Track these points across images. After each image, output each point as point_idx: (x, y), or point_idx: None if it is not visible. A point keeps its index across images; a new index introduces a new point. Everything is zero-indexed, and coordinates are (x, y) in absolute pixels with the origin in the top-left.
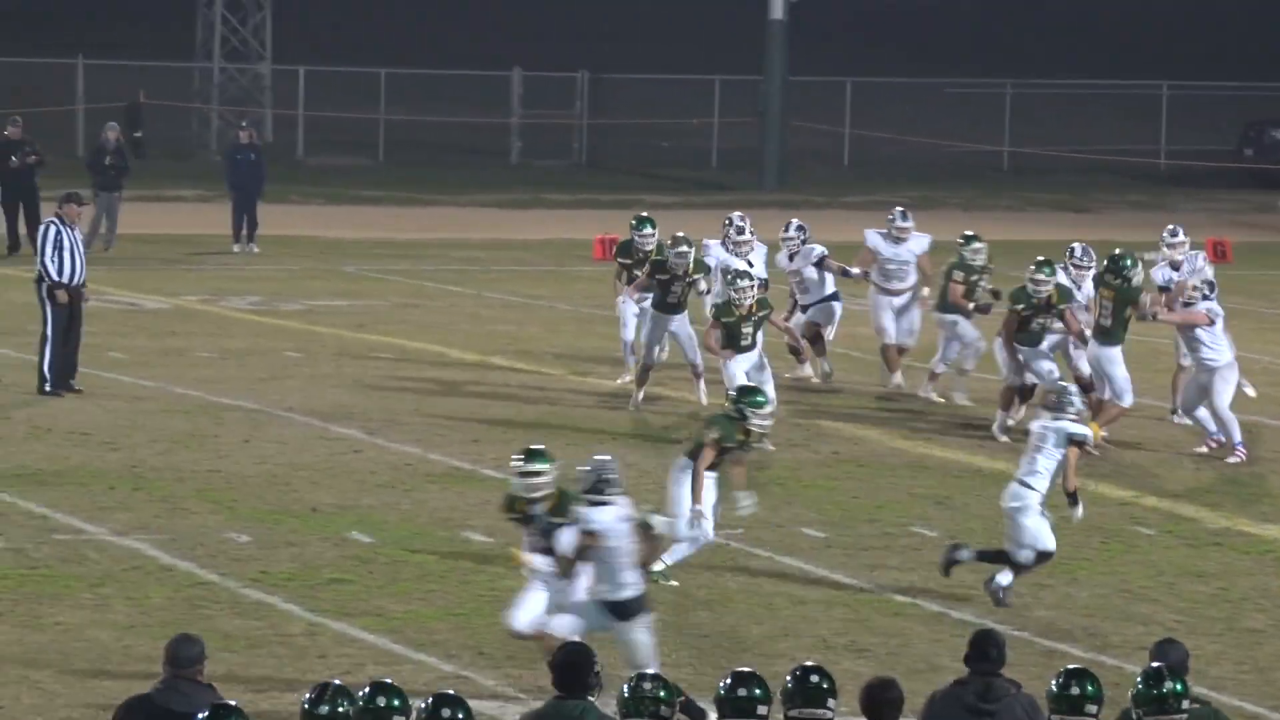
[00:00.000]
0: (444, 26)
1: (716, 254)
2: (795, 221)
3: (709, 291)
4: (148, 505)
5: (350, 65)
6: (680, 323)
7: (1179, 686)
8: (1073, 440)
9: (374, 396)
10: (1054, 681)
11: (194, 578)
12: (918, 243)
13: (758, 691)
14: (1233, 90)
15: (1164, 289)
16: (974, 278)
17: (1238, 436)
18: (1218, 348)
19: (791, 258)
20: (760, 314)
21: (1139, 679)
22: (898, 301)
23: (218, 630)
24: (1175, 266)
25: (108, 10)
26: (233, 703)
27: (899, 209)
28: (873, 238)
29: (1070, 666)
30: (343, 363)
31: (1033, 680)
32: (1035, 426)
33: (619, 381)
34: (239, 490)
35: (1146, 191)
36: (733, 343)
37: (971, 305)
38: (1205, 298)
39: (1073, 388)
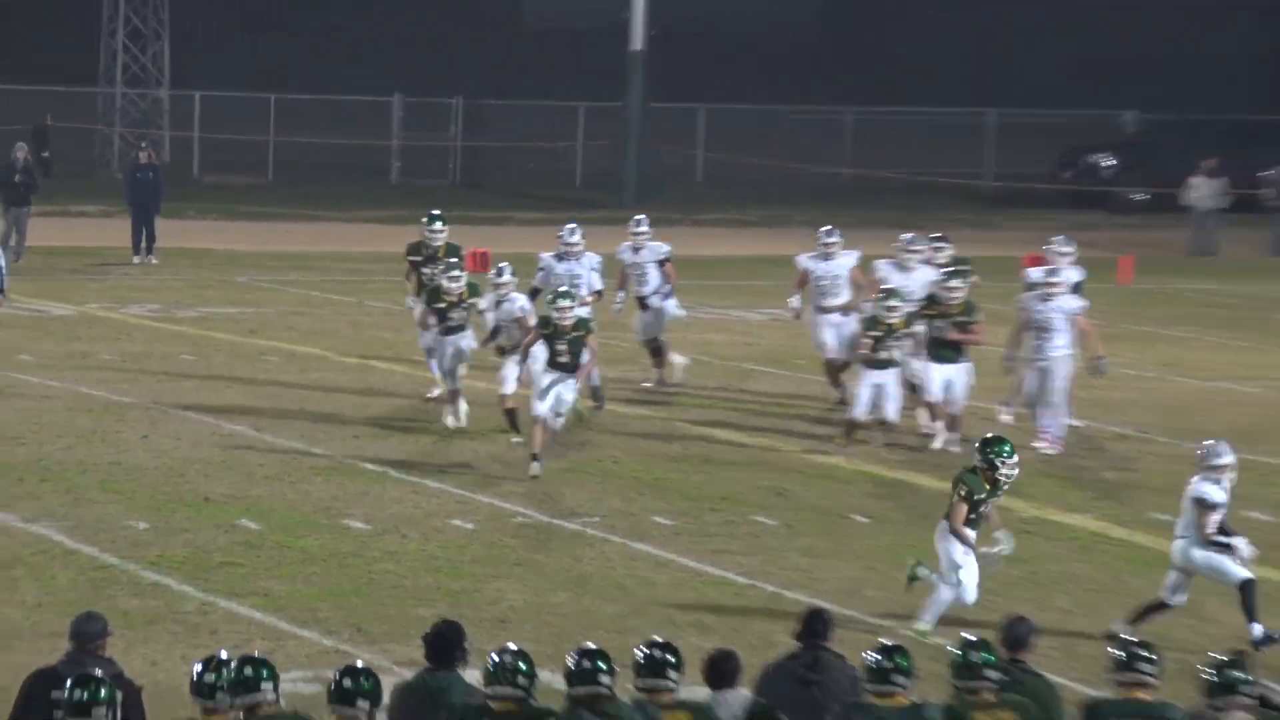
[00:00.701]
0: (330, 55)
1: (549, 264)
2: (643, 217)
3: (488, 310)
4: (54, 495)
5: (242, 90)
6: (459, 340)
7: (987, 656)
8: (1198, 502)
9: (263, 396)
10: (868, 655)
11: (96, 561)
12: (847, 258)
13: (600, 664)
14: (1053, 118)
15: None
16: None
17: (1061, 431)
18: (1058, 344)
19: (636, 250)
20: (577, 334)
21: (956, 648)
22: (834, 318)
23: (118, 609)
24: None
25: (18, 38)
26: (98, 673)
27: (825, 228)
28: (803, 260)
29: (884, 641)
30: (235, 365)
31: (858, 654)
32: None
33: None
34: (138, 481)
35: (974, 211)
36: (550, 358)
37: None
38: (1043, 300)
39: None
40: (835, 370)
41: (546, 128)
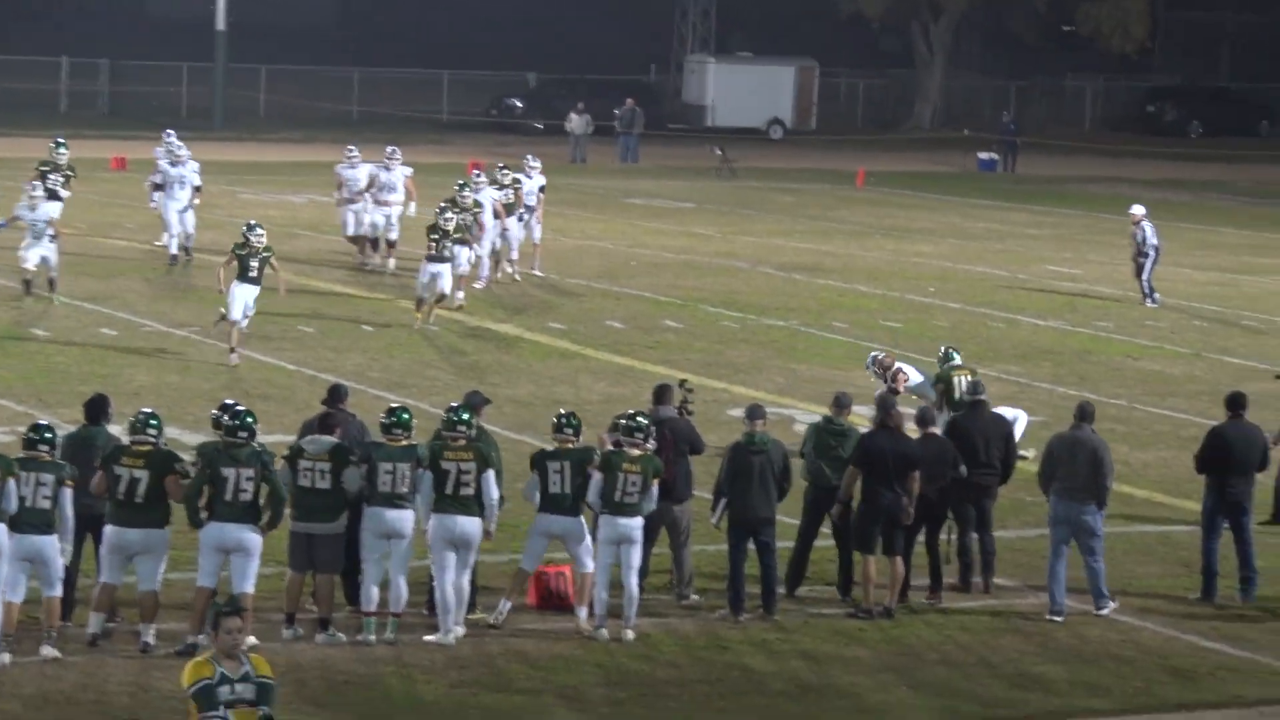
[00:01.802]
0: None
1: (164, 168)
2: (394, 148)
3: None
4: None
5: None
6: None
7: (464, 415)
8: None
9: None
10: (383, 415)
11: None
12: (402, 171)
13: (244, 420)
14: (485, 76)
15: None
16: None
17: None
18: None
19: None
20: (266, 254)
21: (445, 410)
22: (356, 205)
23: None
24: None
25: None
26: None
27: (389, 147)
28: (341, 170)
29: (393, 405)
30: None
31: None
32: None
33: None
34: None
35: (438, 134)
36: (242, 273)
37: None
38: None
39: None
40: (360, 242)
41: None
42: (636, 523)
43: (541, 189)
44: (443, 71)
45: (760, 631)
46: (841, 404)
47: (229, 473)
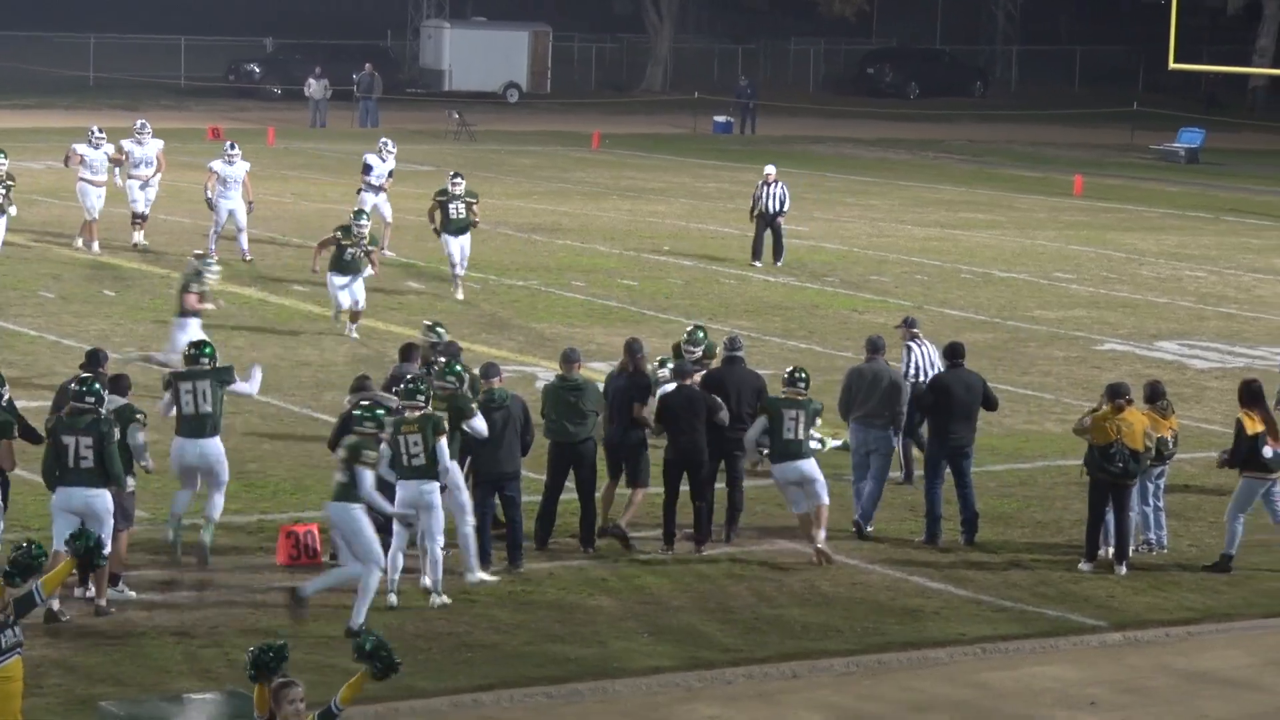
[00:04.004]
0: None
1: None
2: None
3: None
4: None
5: None
6: None
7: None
8: None
9: None
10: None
11: None
12: (155, 144)
13: None
14: (227, 41)
15: None
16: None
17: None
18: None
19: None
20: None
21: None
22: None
23: None
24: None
25: None
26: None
27: (139, 121)
28: (124, 143)
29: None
30: None
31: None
32: None
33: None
34: None
35: (175, 99)
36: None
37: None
38: None
39: None
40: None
41: None
42: (432, 487)
43: (390, 172)
44: (179, 37)
45: (507, 584)
46: (570, 359)
47: (69, 440)
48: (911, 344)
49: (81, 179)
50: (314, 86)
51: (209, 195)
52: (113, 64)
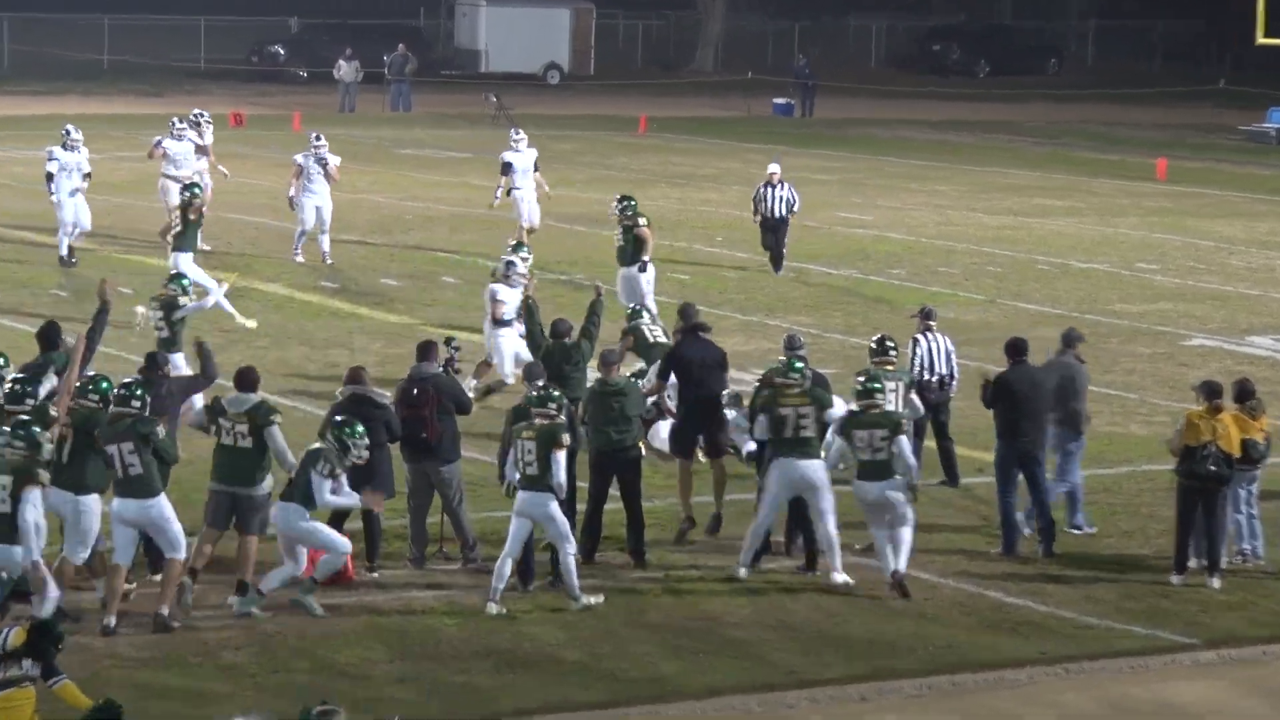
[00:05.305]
0: None
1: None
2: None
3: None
4: None
5: None
6: None
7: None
8: None
9: None
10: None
11: None
12: (191, 139)
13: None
14: (249, 21)
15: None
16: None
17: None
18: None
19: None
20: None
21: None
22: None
23: None
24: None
25: None
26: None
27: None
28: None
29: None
30: None
31: None
32: None
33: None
34: None
35: (195, 91)
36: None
37: None
38: None
39: None
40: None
41: None
42: (542, 499)
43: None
44: (199, 17)
45: (552, 600)
46: (608, 361)
47: (112, 449)
48: (920, 336)
49: (164, 174)
50: (344, 69)
51: (291, 194)
52: (128, 46)
